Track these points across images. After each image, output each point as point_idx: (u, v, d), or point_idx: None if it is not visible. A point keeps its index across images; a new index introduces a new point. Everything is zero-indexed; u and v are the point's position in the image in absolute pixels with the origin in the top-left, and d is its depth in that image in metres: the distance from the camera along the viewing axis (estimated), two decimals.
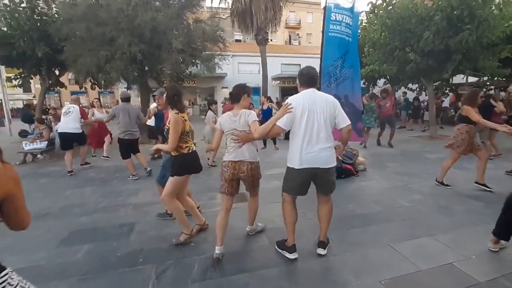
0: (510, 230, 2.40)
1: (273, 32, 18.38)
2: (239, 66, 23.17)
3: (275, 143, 7.97)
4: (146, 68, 8.96)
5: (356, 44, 4.97)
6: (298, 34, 36.47)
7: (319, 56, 4.87)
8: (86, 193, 4.53)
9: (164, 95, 2.93)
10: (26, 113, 11.80)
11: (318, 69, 3.58)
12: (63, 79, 10.54)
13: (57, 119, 8.25)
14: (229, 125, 2.54)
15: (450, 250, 2.59)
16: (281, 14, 17.46)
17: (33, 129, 9.72)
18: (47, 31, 7.97)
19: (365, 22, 12.05)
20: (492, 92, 12.69)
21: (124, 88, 9.93)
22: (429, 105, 9.97)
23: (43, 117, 8.85)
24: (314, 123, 2.30)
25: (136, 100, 10.59)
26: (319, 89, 3.10)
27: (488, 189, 4.02)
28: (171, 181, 2.72)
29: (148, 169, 5.38)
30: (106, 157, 6.95)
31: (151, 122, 6.53)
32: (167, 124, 2.68)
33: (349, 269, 2.36)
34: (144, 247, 2.78)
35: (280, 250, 2.60)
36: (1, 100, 13.79)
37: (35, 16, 8.36)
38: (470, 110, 3.87)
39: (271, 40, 20.85)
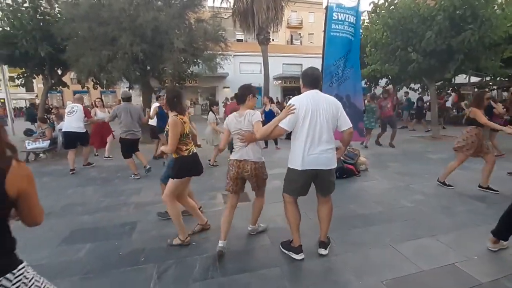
0: (511, 229, 2.39)
1: (275, 32, 18.37)
2: (240, 66, 23.19)
3: (276, 143, 7.97)
4: (148, 68, 8.97)
5: (358, 43, 4.96)
6: (299, 34, 36.45)
7: (321, 56, 4.86)
8: (88, 192, 4.55)
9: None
10: (31, 113, 11.87)
11: (319, 69, 3.57)
12: (65, 78, 10.57)
13: (60, 118, 8.29)
14: (235, 126, 2.60)
15: (452, 250, 2.59)
16: (282, 14, 17.45)
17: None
18: (50, 30, 8.00)
19: (367, 22, 12.03)
20: (494, 92, 12.65)
21: (126, 87, 9.95)
22: (431, 105, 9.94)
23: (46, 116, 8.90)
24: (316, 125, 2.31)
25: (138, 100, 10.62)
26: (320, 89, 3.10)
27: (492, 191, 4.00)
28: (171, 183, 2.72)
29: (148, 167, 5.39)
30: (108, 157, 6.98)
31: (153, 122, 6.54)
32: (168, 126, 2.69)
33: (351, 269, 2.35)
34: (145, 246, 2.79)
35: (286, 251, 2.59)
36: (4, 99, 13.86)
37: (38, 16, 8.39)
38: (478, 112, 3.84)
39: (273, 40, 20.86)
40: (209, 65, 9.14)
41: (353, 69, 4.85)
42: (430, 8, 7.83)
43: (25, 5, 8.27)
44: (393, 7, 8.60)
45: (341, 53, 4.73)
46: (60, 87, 10.84)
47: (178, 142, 2.65)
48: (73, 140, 5.86)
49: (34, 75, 9.83)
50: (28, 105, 15.63)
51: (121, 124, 5.11)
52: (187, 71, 9.67)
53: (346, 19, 4.67)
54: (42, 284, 1.13)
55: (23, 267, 1.06)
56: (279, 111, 7.29)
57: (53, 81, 9.75)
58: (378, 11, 9.53)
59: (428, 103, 12.49)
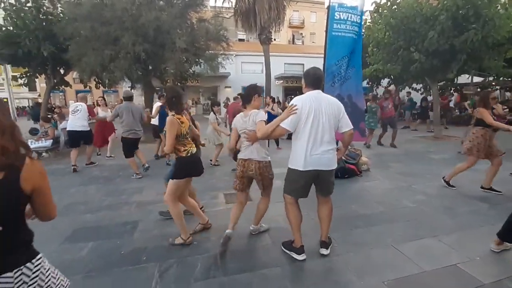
0: None
1: (277, 31, 18.34)
2: (242, 66, 23.18)
3: (278, 144, 7.96)
4: (150, 67, 8.99)
5: (361, 43, 4.93)
6: (301, 34, 36.39)
7: (323, 55, 4.85)
8: (90, 191, 4.56)
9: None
10: (36, 112, 11.92)
11: (321, 69, 3.57)
12: (68, 78, 10.62)
13: (62, 117, 8.32)
14: (241, 125, 2.66)
15: (454, 251, 2.58)
16: (284, 14, 17.42)
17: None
18: (52, 30, 8.03)
19: (369, 22, 11.99)
20: (497, 92, 12.58)
21: (128, 87, 9.98)
22: (434, 105, 9.90)
23: (49, 115, 8.94)
24: (319, 125, 2.30)
25: (140, 99, 10.65)
26: (322, 89, 3.09)
27: (495, 192, 3.98)
28: (171, 183, 2.73)
29: (146, 165, 5.41)
30: (110, 156, 7.00)
31: (155, 121, 6.56)
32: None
33: (352, 269, 2.35)
34: (147, 245, 2.80)
35: (287, 251, 2.58)
36: (7, 98, 13.99)
37: (41, 15, 8.43)
38: (485, 113, 3.81)
39: (275, 39, 20.82)
40: (211, 64, 9.15)
41: (354, 69, 4.84)
42: (432, 7, 7.79)
43: (28, 4, 8.31)
44: (395, 6, 8.57)
45: (343, 53, 4.72)
46: (63, 86, 10.89)
47: (176, 142, 2.64)
48: (77, 138, 5.96)
49: (37, 75, 9.87)
50: (32, 104, 15.74)
51: (123, 124, 5.13)
52: (188, 70, 9.68)
53: (349, 18, 4.65)
54: (56, 275, 1.20)
55: (40, 258, 1.13)
56: (281, 111, 7.29)
57: (55, 81, 9.79)
58: (380, 10, 9.50)
59: (431, 103, 12.43)
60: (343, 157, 5.17)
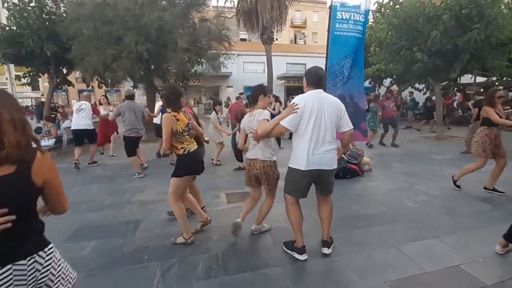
0: None
1: (279, 31, 18.32)
2: (244, 65, 23.17)
3: (279, 143, 7.96)
4: (152, 67, 9.01)
5: (363, 42, 4.92)
6: (303, 33, 36.31)
7: (325, 55, 4.84)
8: (92, 190, 4.58)
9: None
10: (41, 111, 11.96)
11: (323, 69, 3.56)
12: (70, 77, 10.65)
13: (65, 117, 8.37)
14: (247, 125, 2.71)
15: (456, 252, 2.57)
16: (286, 13, 17.39)
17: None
18: (55, 30, 8.06)
19: (371, 21, 11.94)
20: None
21: (130, 86, 10.01)
22: (436, 105, 9.85)
23: (53, 114, 8.98)
24: (321, 124, 2.30)
25: (142, 99, 10.68)
26: (324, 89, 3.09)
27: (498, 192, 3.95)
28: (172, 181, 2.73)
29: (145, 165, 5.45)
30: (112, 155, 7.03)
31: (157, 120, 6.57)
32: None
33: (354, 269, 2.35)
34: (149, 244, 2.81)
35: (289, 251, 2.58)
36: None
37: (44, 15, 8.46)
38: (490, 111, 3.78)
39: (277, 39, 20.79)
40: (213, 64, 9.15)
41: (357, 69, 4.82)
42: (435, 7, 7.75)
43: (31, 4, 8.34)
44: (398, 6, 8.53)
45: (346, 52, 4.70)
46: (65, 86, 10.93)
47: (172, 140, 2.64)
48: (81, 137, 6.05)
49: (40, 74, 9.91)
50: (36, 104, 15.81)
51: (125, 122, 5.15)
52: (190, 70, 9.68)
53: (351, 18, 4.63)
54: (66, 266, 1.24)
55: (52, 247, 1.17)
56: (282, 111, 7.29)
57: (58, 80, 9.82)
58: (382, 10, 9.46)
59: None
60: (345, 157, 5.17)
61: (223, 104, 13.29)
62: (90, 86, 10.42)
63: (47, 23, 8.41)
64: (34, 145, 1.10)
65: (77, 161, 5.84)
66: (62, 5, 9.05)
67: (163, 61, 8.45)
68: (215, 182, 4.82)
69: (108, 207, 3.83)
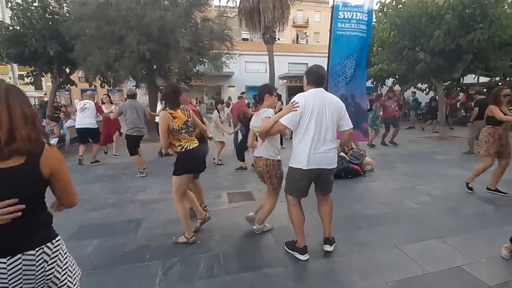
0: None
1: (281, 31, 18.29)
2: (246, 65, 23.17)
3: (281, 143, 7.96)
4: (154, 67, 9.03)
5: (369, 42, 4.88)
6: (305, 33, 36.26)
7: (327, 55, 4.83)
8: (95, 189, 4.60)
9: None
10: (45, 110, 12.02)
11: (325, 68, 3.56)
12: (73, 77, 10.69)
13: (68, 116, 8.41)
14: (255, 124, 2.77)
15: (459, 253, 2.55)
16: (288, 13, 17.37)
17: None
18: (58, 29, 8.10)
19: (374, 21, 11.91)
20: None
21: (133, 86, 10.04)
22: (439, 106, 9.80)
23: (56, 114, 9.03)
24: (322, 123, 2.29)
25: (144, 98, 10.70)
26: (326, 88, 3.09)
27: (501, 193, 3.92)
28: (173, 180, 2.73)
29: (143, 166, 5.47)
30: (115, 155, 7.06)
31: (159, 119, 6.59)
32: None
33: (356, 270, 2.34)
34: (151, 243, 2.82)
35: (290, 251, 2.58)
36: None
37: (47, 15, 8.50)
38: (495, 109, 3.74)
39: (279, 39, 20.78)
40: (215, 64, 9.16)
41: (360, 68, 4.79)
42: (438, 6, 7.71)
43: (35, 4, 8.37)
44: (400, 6, 8.50)
45: (348, 52, 4.68)
46: (68, 85, 10.98)
47: (170, 137, 2.64)
48: (85, 136, 6.16)
49: (43, 74, 9.97)
50: (40, 103, 15.89)
51: (127, 121, 5.18)
52: (192, 70, 9.70)
53: (354, 17, 4.60)
54: (72, 259, 1.28)
55: (59, 239, 1.20)
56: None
57: (61, 80, 9.87)
58: (385, 10, 9.43)
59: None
60: (347, 157, 5.16)
61: (225, 103, 13.35)
62: (93, 86, 10.46)
63: (50, 23, 8.44)
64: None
65: (81, 157, 6.00)
66: (65, 5, 9.09)
67: (165, 60, 8.47)
68: (216, 182, 4.83)
69: (110, 206, 3.85)
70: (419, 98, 13.99)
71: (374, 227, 3.10)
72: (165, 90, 2.77)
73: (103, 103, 7.72)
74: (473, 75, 12.52)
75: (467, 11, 7.22)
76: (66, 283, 1.18)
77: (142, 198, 4.14)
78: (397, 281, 2.18)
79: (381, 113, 7.95)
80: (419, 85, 13.95)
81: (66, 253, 1.23)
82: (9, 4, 8.39)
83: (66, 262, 1.21)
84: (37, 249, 1.09)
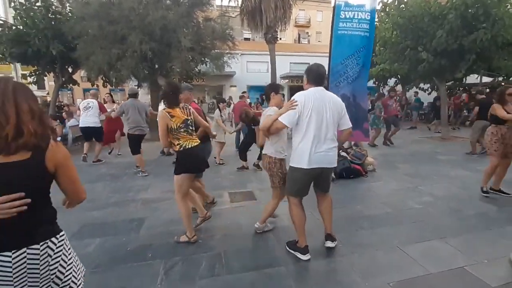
0: None
1: (283, 30, 18.30)
2: (247, 65, 23.15)
3: None
4: (156, 66, 9.05)
5: (372, 41, 4.85)
6: (307, 33, 36.19)
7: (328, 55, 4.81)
8: (97, 188, 4.62)
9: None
10: (47, 110, 12.10)
11: (326, 68, 3.55)
12: (75, 76, 10.73)
13: (70, 115, 8.44)
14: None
15: (461, 253, 2.54)
16: (290, 13, 17.33)
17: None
18: (61, 29, 8.14)
19: (376, 21, 11.87)
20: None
21: (135, 85, 10.07)
22: (441, 106, 9.76)
23: (58, 113, 9.07)
24: (323, 122, 2.29)
25: (146, 98, 10.72)
26: (327, 88, 3.08)
27: (504, 194, 3.89)
28: (174, 179, 2.73)
29: (139, 169, 5.49)
30: (119, 154, 7.09)
31: None
32: None
33: (357, 270, 2.34)
34: (153, 242, 2.83)
35: (292, 251, 2.58)
36: None
37: (50, 15, 8.53)
38: (498, 107, 3.71)
39: (280, 38, 20.79)
40: (217, 63, 9.17)
41: (364, 68, 4.76)
42: (441, 6, 7.68)
43: (38, 4, 8.41)
44: (403, 5, 8.47)
45: (349, 52, 4.65)
46: (71, 84, 11.02)
47: (170, 136, 2.63)
48: (89, 134, 6.25)
49: (46, 73, 10.00)
50: (43, 102, 16.00)
51: (129, 120, 5.20)
52: (194, 69, 9.72)
53: (355, 16, 4.58)
54: (75, 256, 1.30)
55: (64, 234, 1.22)
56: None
57: (64, 79, 9.91)
58: (387, 9, 9.40)
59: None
60: (348, 157, 5.15)
61: (226, 103, 13.37)
62: (95, 85, 10.50)
63: (53, 23, 8.48)
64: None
65: (85, 155, 6.10)
66: (67, 4, 9.13)
67: (167, 60, 8.49)
68: (218, 181, 4.84)
69: (112, 205, 3.87)
70: (421, 98, 13.93)
71: (375, 227, 3.10)
72: (164, 89, 2.75)
73: (105, 102, 7.74)
74: (476, 75, 12.46)
75: (470, 10, 7.18)
76: (70, 278, 1.20)
77: (144, 197, 4.15)
78: (398, 281, 2.18)
79: (382, 113, 7.92)
80: (421, 85, 13.91)
81: (70, 248, 1.24)
82: (12, 4, 8.43)
83: (71, 258, 1.23)
84: (41, 243, 1.11)
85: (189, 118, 2.71)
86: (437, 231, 2.95)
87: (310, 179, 2.43)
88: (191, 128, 2.73)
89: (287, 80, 23.57)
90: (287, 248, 2.63)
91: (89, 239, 2.92)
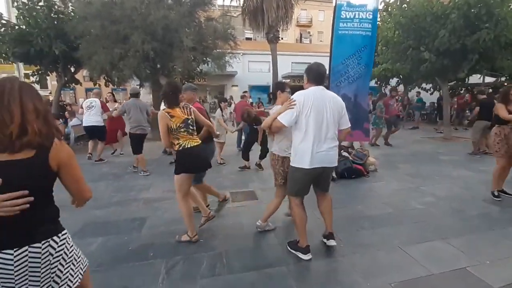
0: None
1: (284, 30, 18.26)
2: (249, 65, 23.15)
3: None
4: (158, 66, 9.06)
5: (375, 40, 4.83)
6: (309, 33, 36.14)
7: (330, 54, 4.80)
8: (100, 187, 4.63)
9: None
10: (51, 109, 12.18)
11: (327, 68, 3.55)
12: (78, 76, 10.77)
13: (72, 115, 8.48)
14: None
15: (463, 254, 2.53)
16: (292, 12, 17.33)
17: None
18: (64, 29, 8.16)
19: (378, 20, 11.83)
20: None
21: (137, 85, 10.09)
22: (444, 106, 9.72)
23: (62, 113, 9.12)
24: (323, 121, 2.29)
25: (148, 98, 10.74)
26: (328, 88, 3.07)
27: (507, 195, 3.86)
28: (175, 178, 2.73)
29: (136, 167, 5.53)
30: (122, 153, 7.12)
31: None
32: None
33: (358, 270, 2.34)
34: (154, 241, 2.83)
35: (293, 251, 2.58)
36: None
37: (52, 14, 8.56)
38: (501, 107, 3.67)
39: (282, 38, 20.72)
40: (218, 63, 9.16)
41: (367, 68, 4.75)
42: (444, 6, 7.64)
43: (40, 3, 8.44)
44: (405, 5, 8.43)
45: (350, 51, 4.64)
46: (73, 84, 11.07)
47: (170, 136, 2.63)
48: (92, 133, 6.31)
49: (48, 73, 10.04)
50: (47, 102, 16.09)
51: (131, 120, 5.22)
52: (196, 69, 9.72)
53: (356, 16, 4.57)
54: (78, 252, 1.32)
55: (66, 233, 1.24)
56: None
57: (66, 79, 9.95)
58: (389, 9, 9.36)
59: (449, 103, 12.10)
60: (350, 157, 5.14)
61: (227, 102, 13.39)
62: (97, 85, 10.53)
63: (55, 22, 8.51)
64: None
65: (90, 155, 6.19)
66: (70, 4, 9.16)
67: (169, 60, 8.50)
68: (220, 181, 4.84)
69: (114, 204, 3.88)
70: (423, 98, 13.87)
71: (377, 227, 3.09)
72: (164, 89, 2.72)
73: (107, 101, 7.76)
74: (478, 75, 12.40)
75: (472, 10, 7.14)
76: (68, 277, 1.21)
77: (145, 196, 4.16)
78: (400, 282, 2.17)
79: (384, 113, 7.90)
80: (424, 85, 13.84)
81: (72, 246, 1.25)
82: (15, 4, 8.47)
83: (71, 256, 1.23)
84: (43, 242, 1.12)
85: (190, 117, 2.69)
86: (439, 232, 2.94)
87: (311, 179, 2.43)
88: (191, 127, 2.70)
89: (288, 80, 23.46)
90: (288, 248, 2.63)
91: (91, 238, 2.93)
